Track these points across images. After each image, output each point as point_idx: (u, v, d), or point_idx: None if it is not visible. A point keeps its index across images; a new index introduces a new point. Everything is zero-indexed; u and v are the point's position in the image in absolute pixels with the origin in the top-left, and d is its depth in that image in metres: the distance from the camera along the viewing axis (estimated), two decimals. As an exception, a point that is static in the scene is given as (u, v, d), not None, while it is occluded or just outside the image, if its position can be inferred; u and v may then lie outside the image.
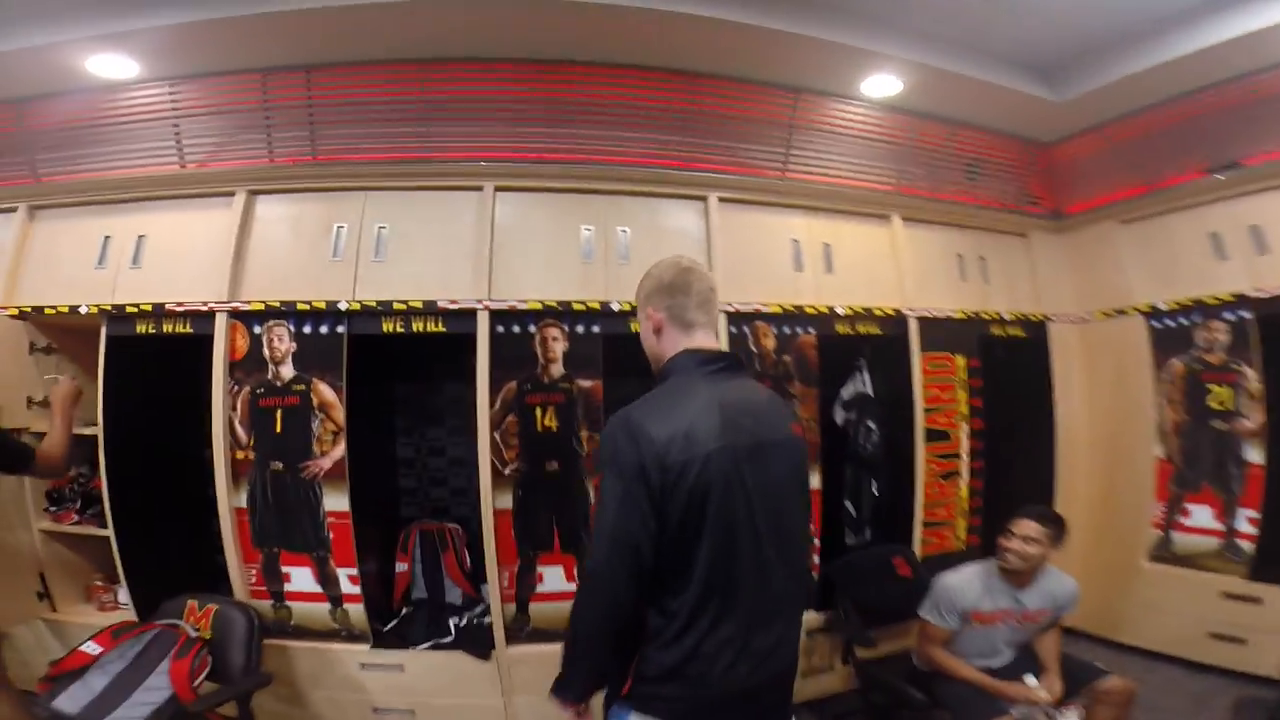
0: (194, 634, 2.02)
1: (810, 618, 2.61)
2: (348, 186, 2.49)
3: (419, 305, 2.40)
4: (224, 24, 2.14)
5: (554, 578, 2.45)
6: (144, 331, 2.43)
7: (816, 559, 2.68)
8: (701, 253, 2.63)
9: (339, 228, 2.47)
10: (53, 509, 2.50)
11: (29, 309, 2.46)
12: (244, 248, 2.46)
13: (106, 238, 2.50)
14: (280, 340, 2.40)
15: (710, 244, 2.63)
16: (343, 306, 2.38)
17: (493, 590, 2.39)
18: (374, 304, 2.40)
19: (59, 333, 2.62)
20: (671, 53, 2.48)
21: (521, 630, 2.43)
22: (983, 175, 3.32)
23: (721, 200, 2.68)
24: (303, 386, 2.37)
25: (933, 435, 2.94)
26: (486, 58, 2.41)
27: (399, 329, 2.41)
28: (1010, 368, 3.22)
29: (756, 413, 1.13)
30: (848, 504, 3.02)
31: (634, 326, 2.48)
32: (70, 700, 1.77)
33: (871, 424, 2.98)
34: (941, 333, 3.00)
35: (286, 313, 2.40)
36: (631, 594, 1.02)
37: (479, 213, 2.48)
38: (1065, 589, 2.11)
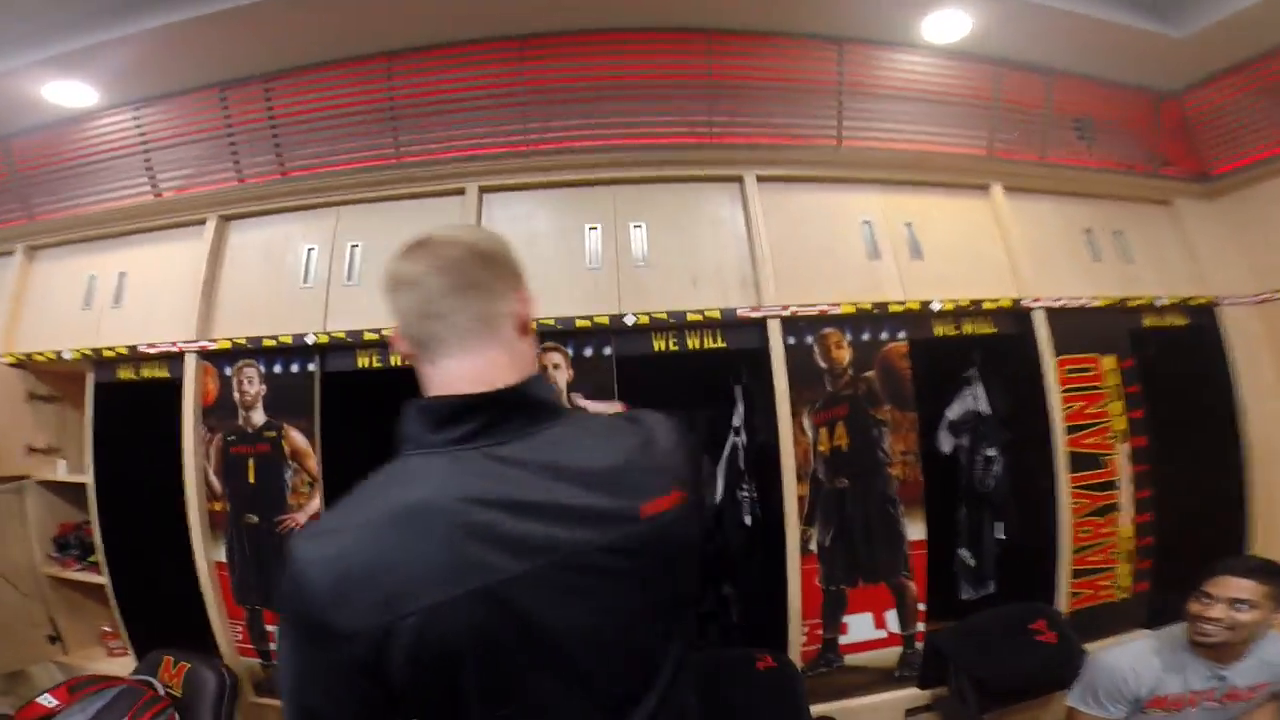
0: (162, 692, 1.87)
1: (910, 694, 2.03)
2: (318, 203, 2.19)
3: (374, 336, 2.03)
4: (172, 30, 1.90)
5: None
6: (125, 377, 2.23)
7: (921, 626, 2.07)
8: (742, 246, 2.10)
9: (309, 250, 2.16)
10: (57, 555, 2.44)
11: (23, 356, 2.30)
12: (216, 280, 2.20)
13: (91, 277, 2.34)
14: (250, 382, 2.11)
15: (753, 234, 2.09)
16: (309, 340, 2.04)
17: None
18: (343, 335, 2.03)
19: (58, 380, 2.49)
20: (682, 7, 2.03)
21: None
22: (1099, 134, 2.65)
23: (762, 180, 2.15)
24: (274, 433, 2.07)
25: (1079, 461, 2.20)
26: (459, 40, 2.04)
27: (375, 363, 2.03)
28: (1170, 366, 2.43)
29: (570, 501, 0.62)
30: (962, 552, 2.33)
31: (656, 344, 2.03)
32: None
33: (990, 451, 2.28)
34: (1079, 326, 2.27)
35: (254, 351, 2.10)
36: None
37: (463, 220, 2.07)
38: None
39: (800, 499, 2.00)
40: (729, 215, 2.14)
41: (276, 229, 2.21)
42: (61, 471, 2.39)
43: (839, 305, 2.07)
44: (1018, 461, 2.24)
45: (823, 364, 2.08)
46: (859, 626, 2.01)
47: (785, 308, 2.04)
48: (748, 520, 2.12)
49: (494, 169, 2.09)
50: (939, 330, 2.18)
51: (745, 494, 2.15)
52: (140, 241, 2.33)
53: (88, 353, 2.19)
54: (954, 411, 2.33)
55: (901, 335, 2.12)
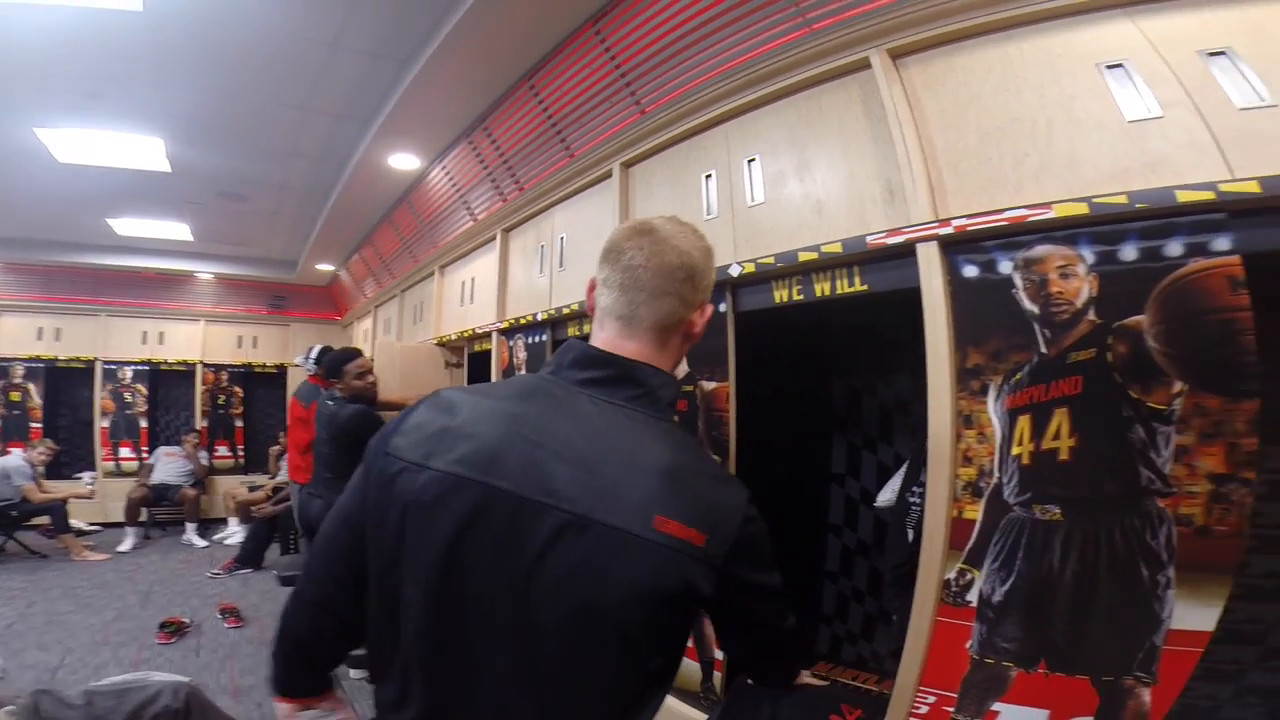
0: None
1: None
2: (537, 210, 2.74)
3: (576, 308, 2.35)
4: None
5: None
6: (483, 349, 3.21)
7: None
8: (883, 148, 1.47)
9: (542, 247, 2.68)
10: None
11: (441, 338, 3.62)
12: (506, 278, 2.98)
13: (463, 281, 3.52)
14: (519, 351, 2.73)
15: (896, 133, 1.42)
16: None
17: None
18: (552, 311, 2.45)
19: (456, 353, 3.71)
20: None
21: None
22: None
23: (895, 55, 1.45)
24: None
25: None
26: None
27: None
28: None
29: (590, 468, 0.67)
30: None
31: (778, 295, 1.64)
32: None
33: None
34: None
35: (522, 328, 2.69)
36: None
37: (613, 198, 2.22)
38: None
39: (965, 524, 1.30)
40: (858, 114, 1.52)
41: (524, 238, 2.70)
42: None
43: (1050, 207, 1.22)
44: None
45: (1032, 307, 1.27)
46: (1015, 726, 1.19)
47: (944, 223, 1.34)
48: (910, 535, 1.51)
49: (627, 141, 2.15)
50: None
51: (916, 500, 1.53)
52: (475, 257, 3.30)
53: (467, 332, 3.30)
54: None
55: (1224, 245, 1.09)
